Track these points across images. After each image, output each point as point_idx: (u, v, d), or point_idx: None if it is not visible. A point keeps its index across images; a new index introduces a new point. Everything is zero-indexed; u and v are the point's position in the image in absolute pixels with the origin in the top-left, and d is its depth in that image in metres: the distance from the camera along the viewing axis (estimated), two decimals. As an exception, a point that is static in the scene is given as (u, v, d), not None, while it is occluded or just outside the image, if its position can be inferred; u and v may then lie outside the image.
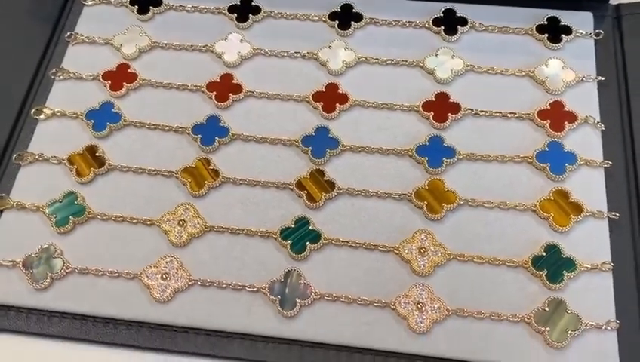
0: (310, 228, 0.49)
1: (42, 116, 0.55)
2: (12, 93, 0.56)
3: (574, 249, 0.47)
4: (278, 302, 0.46)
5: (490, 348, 0.44)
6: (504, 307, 0.46)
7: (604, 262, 0.46)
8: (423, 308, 0.45)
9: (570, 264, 0.46)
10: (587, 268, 0.46)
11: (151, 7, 0.60)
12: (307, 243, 0.48)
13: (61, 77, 0.57)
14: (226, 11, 0.59)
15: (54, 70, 0.57)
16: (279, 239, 0.48)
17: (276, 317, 0.46)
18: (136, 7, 0.60)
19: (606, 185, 0.50)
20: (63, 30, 0.60)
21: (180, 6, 0.60)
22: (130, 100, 0.56)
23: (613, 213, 0.48)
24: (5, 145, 0.54)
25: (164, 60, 0.58)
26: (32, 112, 0.55)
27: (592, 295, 0.46)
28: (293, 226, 0.49)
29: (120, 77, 0.56)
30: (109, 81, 0.56)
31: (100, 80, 0.56)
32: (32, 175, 0.52)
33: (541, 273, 0.46)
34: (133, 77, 0.56)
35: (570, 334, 0.44)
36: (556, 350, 0.44)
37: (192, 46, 0.58)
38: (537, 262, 0.47)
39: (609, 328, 0.44)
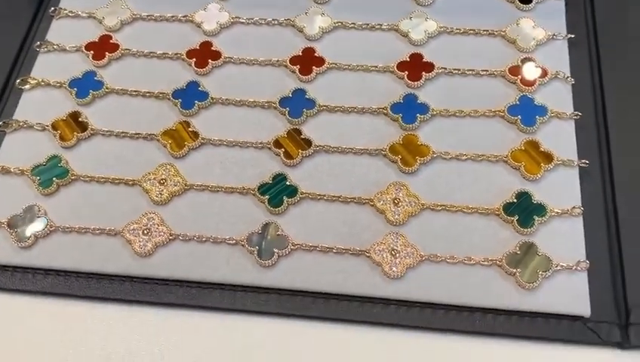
0: (287, 183, 0.50)
1: (27, 86, 0.56)
2: (-3, 66, 0.58)
3: (545, 196, 0.48)
4: (256, 252, 0.47)
5: (463, 290, 0.45)
6: (477, 252, 0.47)
7: (574, 207, 0.48)
8: (397, 255, 0.46)
9: (540, 209, 0.47)
10: (558, 213, 0.47)
11: (133, -19, 0.61)
12: (284, 197, 0.49)
13: (45, 49, 0.58)
14: (205, -17, 0.61)
15: (39, 43, 0.58)
16: (257, 194, 0.50)
17: (254, 267, 0.47)
18: (119, -19, 0.62)
19: (576, 135, 0.51)
20: (49, 5, 0.61)
21: (161, -21, 0.62)
22: (113, 69, 0.57)
23: (583, 161, 0.49)
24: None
25: (145, 31, 0.59)
26: (17, 82, 0.56)
27: (563, 238, 0.47)
28: (270, 182, 0.50)
29: (102, 47, 0.58)
30: (92, 52, 0.57)
31: (82, 51, 0.58)
32: (16, 141, 0.54)
33: (512, 219, 0.47)
34: (115, 47, 0.58)
35: (541, 275, 0.45)
36: (527, 291, 0.45)
37: (172, 17, 0.59)
38: (509, 208, 0.48)
39: (579, 269, 0.45)
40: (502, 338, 0.44)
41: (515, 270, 0.45)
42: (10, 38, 0.59)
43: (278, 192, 0.49)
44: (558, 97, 0.53)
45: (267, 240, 0.47)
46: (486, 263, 0.46)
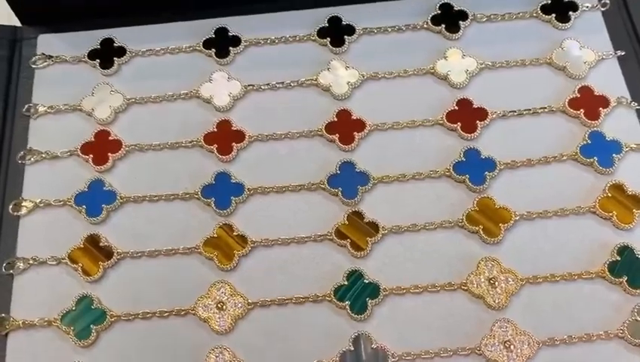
0: (365, 281, 0.44)
1: (23, 211, 0.47)
2: (-24, 191, 0.48)
3: (645, 244, 0.44)
4: (355, 376, 0.41)
5: (591, 373, 0.41)
6: (590, 324, 0.42)
7: (681, 255, 0.44)
8: (512, 347, 0.42)
9: (647, 264, 0.43)
10: (665, 264, 0.44)
11: (114, 59, 0.52)
12: (367, 299, 0.43)
13: (31, 160, 0.49)
14: (201, 47, 0.52)
15: (22, 153, 0.49)
16: (335, 301, 0.43)
17: (357, 393, 0.41)
18: (98, 60, 0.52)
19: (657, 167, 0.47)
20: (17, 103, 0.51)
21: (147, 50, 0.53)
22: (120, 172, 0.49)
23: (675, 199, 0.46)
24: (-15, 255, 0.46)
25: (145, 117, 0.51)
26: (9, 209, 0.47)
27: (677, 292, 0.43)
28: (346, 283, 0.44)
29: (102, 147, 0.49)
30: (91, 155, 0.49)
31: (79, 155, 0.49)
32: (29, 284, 0.45)
33: (621, 279, 0.43)
34: (116, 145, 0.49)
35: (669, 341, 0.41)
36: (659, 361, 0.41)
37: (172, 95, 0.51)
38: (614, 268, 0.44)
39: None
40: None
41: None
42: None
43: (357, 295, 0.43)
44: (626, 126, 0.49)
45: (365, 358, 0.41)
46: (606, 337, 0.42)
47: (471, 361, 0.42)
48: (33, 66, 0.52)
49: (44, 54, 0.53)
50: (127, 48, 0.53)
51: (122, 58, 0.52)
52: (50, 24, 0.55)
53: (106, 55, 0.52)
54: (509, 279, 0.44)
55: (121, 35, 0.53)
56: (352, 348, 0.42)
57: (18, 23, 0.55)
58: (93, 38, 0.53)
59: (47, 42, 0.54)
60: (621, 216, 0.45)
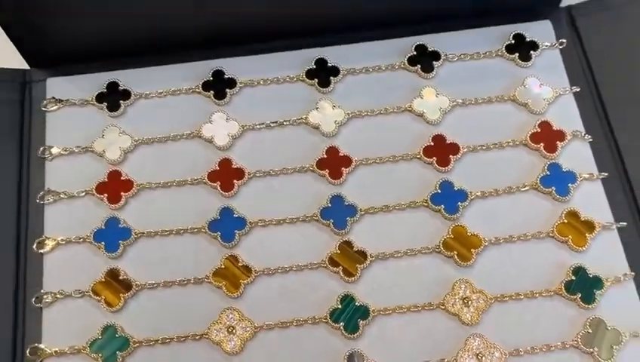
0: (357, 304, 0.50)
1: (46, 249, 0.52)
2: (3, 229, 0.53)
3: (595, 264, 0.51)
4: (351, 390, 0.48)
5: (550, 378, 0.49)
6: (550, 336, 0.50)
7: (625, 274, 0.51)
8: (483, 358, 0.49)
9: (598, 283, 0.50)
10: (612, 281, 0.51)
11: (120, 101, 0.57)
12: (359, 320, 0.50)
13: (50, 200, 0.54)
14: (200, 90, 0.58)
15: (41, 194, 0.54)
16: (330, 322, 0.50)
17: (352, 402, 0.48)
18: (105, 103, 0.57)
19: (606, 195, 0.54)
20: (31, 145, 0.56)
21: (150, 93, 0.58)
22: (133, 209, 0.54)
23: (621, 224, 0.53)
24: (15, 288, 0.51)
25: (152, 157, 0.56)
26: (34, 247, 0.52)
27: (621, 306, 0.50)
28: (340, 307, 0.50)
29: (115, 187, 0.54)
30: (105, 194, 0.54)
31: (94, 194, 0.54)
32: (57, 316, 0.51)
33: (575, 296, 0.50)
34: (129, 184, 0.54)
35: (615, 349, 0.49)
36: (607, 366, 0.49)
37: (176, 135, 0.56)
38: (569, 286, 0.51)
39: (645, 335, 0.49)
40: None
41: (592, 349, 0.49)
42: (3, 194, 0.54)
43: (350, 316, 0.50)
44: (580, 158, 0.55)
45: (358, 374, 0.48)
46: (564, 347, 0.49)
47: (449, 372, 0.49)
48: (44, 110, 0.57)
49: (54, 98, 0.57)
50: (132, 91, 0.57)
51: (127, 101, 0.57)
52: (56, 66, 0.59)
53: (112, 98, 0.57)
54: (480, 298, 0.50)
55: (124, 78, 0.58)
56: (347, 364, 0.49)
57: (21, 64, 0.59)
58: (98, 80, 0.58)
59: (56, 85, 0.58)
60: (575, 239, 0.52)
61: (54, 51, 0.58)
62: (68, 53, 0.58)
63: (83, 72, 0.59)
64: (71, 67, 0.59)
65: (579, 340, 0.49)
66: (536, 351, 0.49)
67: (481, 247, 0.52)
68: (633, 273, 0.51)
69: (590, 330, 0.49)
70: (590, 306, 0.50)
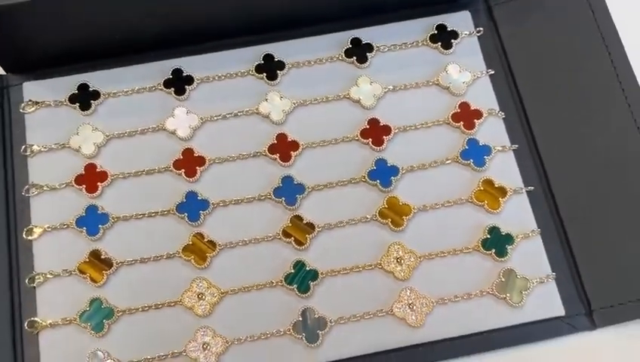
0: (307, 268, 0.59)
1: (35, 236, 0.60)
2: (-6, 220, 0.60)
3: (508, 224, 0.61)
4: (304, 338, 0.57)
5: (471, 321, 0.58)
6: (471, 286, 0.59)
7: (532, 230, 0.60)
8: (414, 307, 0.58)
9: (509, 239, 0.60)
10: (521, 237, 0.60)
11: (91, 101, 0.64)
12: (309, 282, 0.58)
13: (35, 192, 0.61)
14: (162, 87, 0.65)
15: (27, 187, 0.61)
16: (285, 285, 0.58)
17: (305, 350, 0.57)
18: (78, 103, 0.64)
19: (518, 164, 0.63)
20: (13, 144, 0.63)
21: (118, 92, 0.65)
22: (110, 197, 0.61)
23: (529, 187, 0.62)
24: (9, 272, 0.59)
25: (123, 149, 0.63)
26: (23, 235, 0.60)
27: (530, 257, 0.60)
28: (293, 271, 0.59)
29: (92, 178, 0.61)
30: (84, 185, 0.61)
31: (73, 185, 0.61)
32: (49, 293, 0.58)
33: (490, 252, 0.60)
34: (104, 175, 0.62)
35: (524, 294, 0.58)
36: (518, 308, 0.58)
37: (143, 129, 0.63)
38: (485, 243, 0.60)
39: (549, 280, 0.59)
40: (504, 349, 0.58)
41: (505, 295, 0.58)
42: (-11, 187, 0.61)
43: (302, 279, 0.59)
44: (495, 132, 0.64)
45: (310, 325, 0.57)
46: (481, 295, 0.59)
47: (386, 321, 0.58)
48: (22, 111, 0.64)
49: (31, 100, 0.64)
50: (101, 91, 0.64)
51: (97, 100, 0.64)
52: (30, 71, 0.65)
53: (84, 98, 0.64)
54: (411, 257, 0.59)
55: (93, 80, 0.65)
56: (301, 319, 0.57)
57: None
58: (69, 82, 0.64)
59: (32, 89, 0.64)
60: (491, 203, 0.61)
61: (28, 58, 0.65)
62: (40, 58, 0.65)
63: (55, 75, 0.65)
64: (44, 71, 0.65)
65: (494, 288, 0.58)
66: (459, 299, 0.58)
67: (411, 214, 0.61)
68: (539, 229, 0.61)
69: (503, 279, 0.59)
70: (503, 259, 0.59)
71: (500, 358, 0.58)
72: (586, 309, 0.59)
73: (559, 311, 0.58)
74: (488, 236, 0.60)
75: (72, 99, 0.64)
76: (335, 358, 0.57)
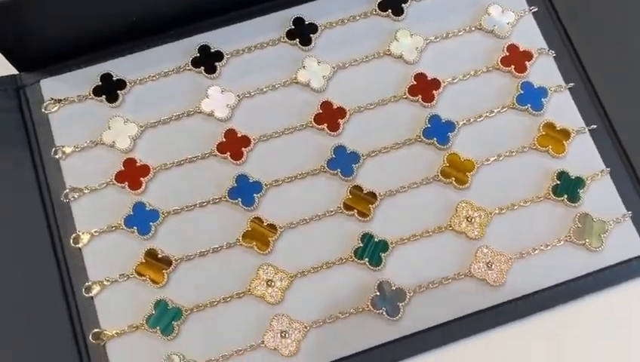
0: (376, 240, 0.56)
1: (83, 242, 0.56)
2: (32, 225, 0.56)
3: (576, 167, 0.58)
4: (384, 312, 0.54)
5: (552, 272, 0.56)
6: (546, 235, 0.57)
7: (602, 170, 0.58)
8: (492, 265, 0.55)
9: (580, 182, 0.57)
10: (591, 179, 0.58)
11: (118, 92, 0.60)
12: (380, 253, 0.56)
13: (75, 197, 0.57)
14: (190, 67, 0.60)
15: (65, 192, 0.57)
16: (356, 260, 0.56)
17: (388, 325, 0.54)
18: (104, 96, 0.59)
19: (575, 103, 0.60)
20: (41, 148, 0.58)
21: (143, 79, 0.60)
22: (155, 191, 0.58)
23: (591, 126, 0.59)
24: (62, 285, 0.55)
25: (160, 139, 0.59)
26: (70, 243, 0.56)
27: (603, 199, 0.57)
28: (361, 245, 0.56)
29: (133, 174, 0.57)
30: (126, 182, 0.57)
31: (114, 183, 0.57)
32: (109, 301, 0.55)
33: (562, 198, 0.57)
34: (145, 169, 0.58)
35: (603, 237, 0.56)
36: (598, 252, 0.56)
37: (178, 115, 0.59)
38: (556, 190, 0.57)
39: (626, 219, 0.57)
40: (589, 295, 0.56)
41: (584, 241, 0.56)
42: (24, 196, 0.57)
43: (372, 252, 0.56)
44: (548, 73, 0.61)
45: (389, 298, 0.55)
46: (559, 243, 0.56)
47: (465, 283, 0.56)
48: (45, 111, 0.59)
49: (53, 99, 0.59)
50: (126, 79, 0.60)
51: (124, 90, 0.60)
52: (45, 66, 0.61)
53: (109, 89, 0.60)
54: (482, 214, 0.57)
55: (115, 68, 0.60)
56: (378, 293, 0.55)
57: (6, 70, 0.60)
58: (89, 74, 0.60)
59: (50, 86, 0.60)
60: (555, 148, 0.58)
61: (41, 52, 0.60)
62: (54, 52, 0.60)
63: (73, 68, 0.60)
64: (60, 65, 0.61)
65: (571, 235, 0.56)
66: (537, 251, 0.56)
67: (475, 170, 0.58)
68: (609, 168, 0.58)
69: (580, 225, 0.56)
70: (576, 204, 0.57)
71: (586, 305, 0.56)
72: (666, 244, 0.57)
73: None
74: (558, 182, 0.57)
75: (97, 91, 0.60)
76: (420, 328, 0.55)
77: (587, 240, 0.56)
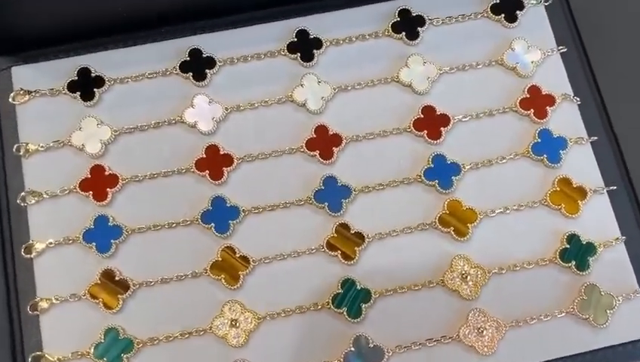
0: (358, 288, 0.50)
1: (35, 253, 0.50)
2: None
3: (588, 230, 0.52)
4: (357, 373, 0.49)
5: (548, 346, 0.50)
6: (547, 304, 0.51)
7: (616, 238, 0.52)
8: (484, 332, 0.50)
9: (591, 249, 0.51)
10: (604, 247, 0.52)
11: (94, 89, 0.54)
12: (361, 304, 0.50)
13: (32, 201, 0.52)
14: (178, 71, 0.55)
15: (22, 195, 0.52)
16: (333, 308, 0.50)
17: (360, 386, 0.49)
18: (79, 93, 0.54)
19: (596, 159, 0.54)
20: (4, 142, 0.53)
21: (125, 78, 0.55)
22: (121, 205, 0.52)
23: (611, 188, 0.53)
24: (7, 297, 0.50)
25: (134, 147, 0.53)
26: (21, 252, 0.50)
27: (614, 270, 0.52)
28: (341, 291, 0.50)
29: (99, 183, 0.52)
30: (90, 191, 0.52)
31: (78, 192, 0.52)
32: (55, 322, 0.49)
33: (569, 264, 0.51)
34: (113, 179, 0.52)
35: (609, 313, 0.50)
36: (602, 329, 0.50)
37: (158, 123, 0.54)
38: (564, 255, 0.51)
39: (637, 296, 0.51)
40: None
41: (587, 315, 0.50)
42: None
43: (352, 301, 0.50)
44: (570, 121, 0.55)
45: (363, 357, 0.49)
46: (561, 314, 0.50)
47: (452, 347, 0.50)
48: (13, 102, 0.54)
49: (22, 89, 0.54)
50: (105, 77, 0.54)
51: (102, 88, 0.54)
52: (19, 51, 0.55)
53: (85, 85, 0.54)
54: (479, 273, 0.51)
55: (95, 63, 0.55)
56: (353, 348, 0.49)
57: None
58: (67, 66, 0.55)
59: (22, 74, 0.54)
60: (568, 207, 0.53)
61: (16, 35, 0.54)
62: (31, 36, 0.55)
63: (50, 57, 0.55)
64: (36, 52, 0.55)
65: (575, 307, 0.50)
66: (534, 321, 0.50)
67: (477, 221, 0.52)
68: (624, 236, 0.52)
69: (585, 297, 0.51)
70: (584, 273, 0.51)
71: (582, 388, 0.50)
72: (680, 329, 0.51)
73: (650, 332, 0.51)
74: (567, 246, 0.52)
75: (72, 86, 0.54)
76: (393, 395, 0.49)
77: (592, 314, 0.50)
